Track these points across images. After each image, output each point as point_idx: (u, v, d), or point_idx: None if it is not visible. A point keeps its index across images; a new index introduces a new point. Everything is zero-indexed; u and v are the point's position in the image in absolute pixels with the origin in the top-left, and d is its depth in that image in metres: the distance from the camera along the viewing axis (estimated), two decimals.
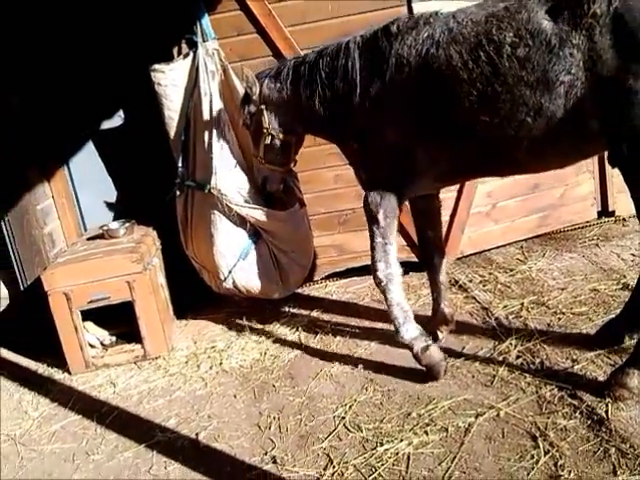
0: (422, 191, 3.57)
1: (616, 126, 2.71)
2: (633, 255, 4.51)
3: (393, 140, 3.25)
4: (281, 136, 3.78)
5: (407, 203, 3.84)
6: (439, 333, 3.78)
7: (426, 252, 3.81)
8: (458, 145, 3.14)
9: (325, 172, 4.81)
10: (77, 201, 5.27)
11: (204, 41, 4.41)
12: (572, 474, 2.54)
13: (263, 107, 3.73)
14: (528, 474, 2.59)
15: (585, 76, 2.67)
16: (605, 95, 2.66)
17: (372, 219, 3.41)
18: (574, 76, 2.68)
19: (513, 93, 2.81)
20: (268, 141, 3.79)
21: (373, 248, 3.44)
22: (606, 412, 2.86)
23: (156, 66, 4.41)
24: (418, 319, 4.05)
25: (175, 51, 4.62)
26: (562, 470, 2.56)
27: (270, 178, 4.06)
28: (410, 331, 3.43)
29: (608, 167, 5.01)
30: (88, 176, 5.21)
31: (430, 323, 3.82)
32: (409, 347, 3.45)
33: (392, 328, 3.49)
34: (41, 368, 4.46)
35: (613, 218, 5.26)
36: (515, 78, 2.78)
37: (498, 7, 2.87)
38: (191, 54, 4.42)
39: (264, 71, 3.81)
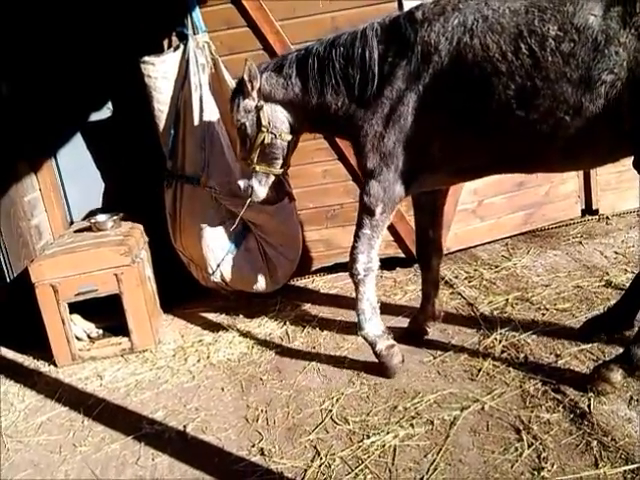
0: (433, 186, 3.44)
1: None
2: (616, 253, 4.58)
3: (413, 131, 3.09)
4: (284, 136, 3.52)
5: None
6: (427, 328, 3.82)
7: (424, 252, 3.71)
8: (486, 140, 3.00)
9: (313, 167, 4.83)
10: (64, 193, 5.25)
11: (195, 34, 4.41)
12: (555, 466, 2.59)
13: (263, 103, 3.47)
14: (512, 466, 2.63)
15: (627, 77, 2.59)
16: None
17: (367, 210, 3.27)
18: (616, 76, 2.60)
19: (554, 89, 2.70)
20: (268, 140, 3.49)
21: (358, 238, 3.33)
22: (589, 406, 2.92)
23: (146, 58, 4.39)
24: (405, 314, 4.12)
25: (165, 43, 4.60)
26: (545, 462, 2.61)
27: (260, 183, 3.69)
28: (376, 328, 3.44)
29: None
30: (75, 168, 5.18)
31: (418, 318, 3.85)
32: (371, 343, 3.45)
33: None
34: (27, 360, 4.44)
35: (597, 216, 5.34)
36: (558, 73, 2.68)
37: None
38: (181, 47, 4.42)
39: (261, 65, 3.55)
